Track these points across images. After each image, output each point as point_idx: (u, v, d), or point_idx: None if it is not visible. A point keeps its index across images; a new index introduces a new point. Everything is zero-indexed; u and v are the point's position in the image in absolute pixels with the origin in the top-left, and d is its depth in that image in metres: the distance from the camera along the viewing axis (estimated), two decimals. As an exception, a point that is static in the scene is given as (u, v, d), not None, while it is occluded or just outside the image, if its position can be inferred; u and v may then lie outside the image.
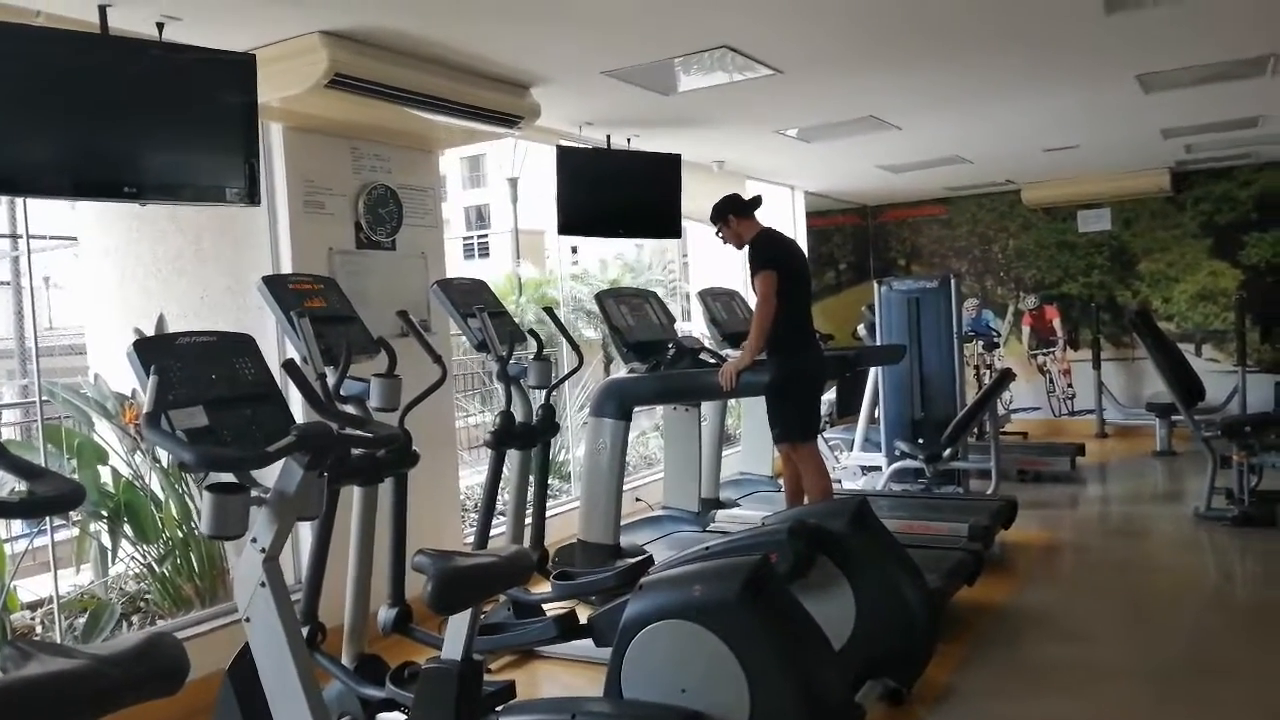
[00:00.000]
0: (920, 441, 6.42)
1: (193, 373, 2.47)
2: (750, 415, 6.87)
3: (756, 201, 5.00)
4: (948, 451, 6.16)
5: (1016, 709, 3.39)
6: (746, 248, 4.87)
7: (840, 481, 7.12)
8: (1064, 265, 9.88)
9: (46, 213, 5.39)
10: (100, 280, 4.53)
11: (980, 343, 9.72)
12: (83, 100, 3.12)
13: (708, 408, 5.88)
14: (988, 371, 9.65)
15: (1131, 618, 4.42)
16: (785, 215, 8.83)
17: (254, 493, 2.29)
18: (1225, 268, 9.18)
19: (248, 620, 2.39)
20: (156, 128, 3.31)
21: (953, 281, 6.92)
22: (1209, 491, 5.93)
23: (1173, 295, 9.42)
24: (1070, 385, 9.90)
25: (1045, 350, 10.00)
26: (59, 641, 3.50)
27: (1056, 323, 9.91)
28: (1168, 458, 8.35)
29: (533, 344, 4.13)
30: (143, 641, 1.59)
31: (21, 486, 1.68)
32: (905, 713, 3.32)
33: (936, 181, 9.12)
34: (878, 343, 7.10)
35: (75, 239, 4.79)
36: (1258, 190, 9.00)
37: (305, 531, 3.82)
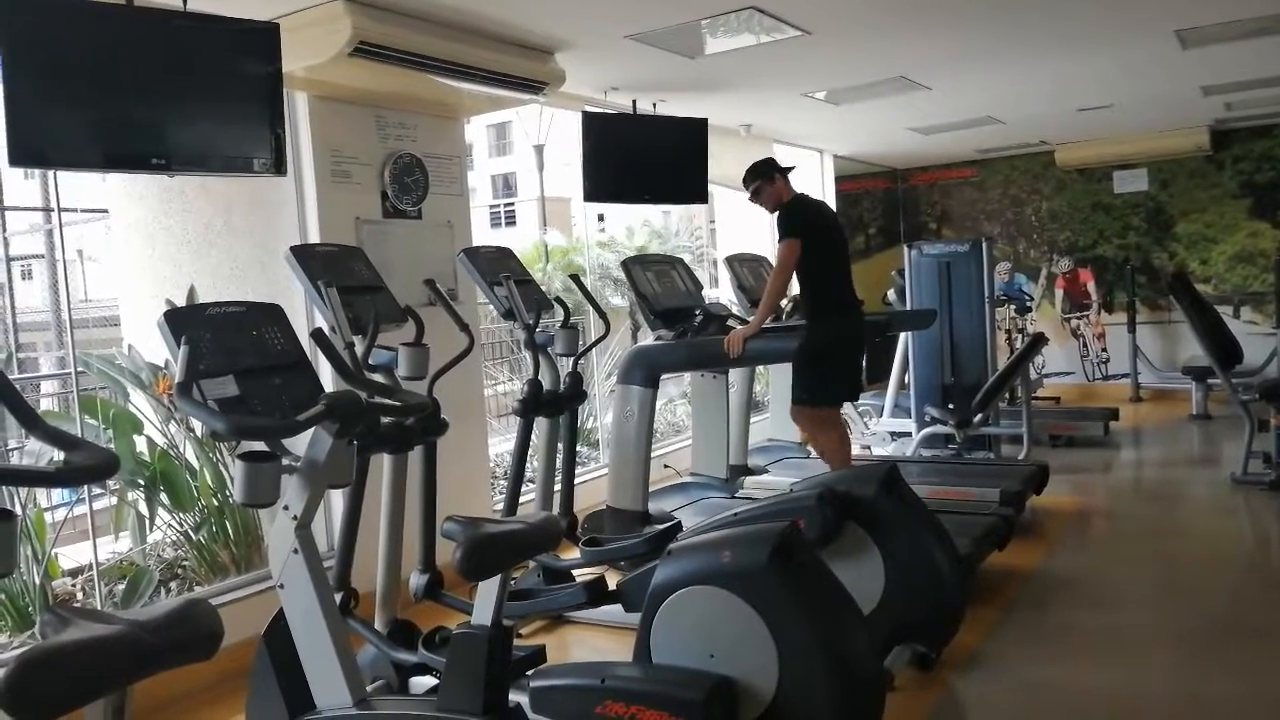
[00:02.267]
0: (951, 407, 6.37)
1: (223, 343, 2.49)
2: (778, 382, 6.84)
3: (790, 168, 4.92)
4: (979, 417, 6.10)
5: (1046, 674, 3.38)
6: (777, 213, 4.81)
7: (870, 448, 7.09)
8: (1099, 227, 9.71)
9: (78, 186, 5.45)
10: (132, 252, 4.58)
11: (1012, 307, 9.61)
12: (110, 73, 3.14)
13: (735, 374, 5.86)
14: (1020, 336, 9.56)
15: (1164, 583, 4.39)
16: (814, 179, 8.74)
17: (285, 461, 2.31)
18: (1265, 228, 8.99)
19: (282, 586, 2.43)
20: (183, 99, 3.32)
21: (984, 245, 6.83)
22: (1246, 456, 5.84)
23: (1211, 257, 9.24)
24: (1104, 349, 9.78)
25: (1079, 314, 9.87)
26: (99, 608, 3.58)
27: (1090, 286, 9.77)
28: (1203, 422, 8.23)
29: (559, 311, 4.13)
30: (178, 608, 1.62)
31: (59, 456, 1.71)
32: (934, 678, 3.32)
33: (968, 143, 8.98)
34: (908, 308, 7.04)
35: (106, 211, 4.83)
36: (1300, 148, 8.79)
37: (336, 499, 3.86)
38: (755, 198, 4.82)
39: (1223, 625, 3.79)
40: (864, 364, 5.01)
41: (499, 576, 2.33)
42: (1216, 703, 3.12)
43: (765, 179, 4.76)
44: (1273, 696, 3.13)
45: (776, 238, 4.73)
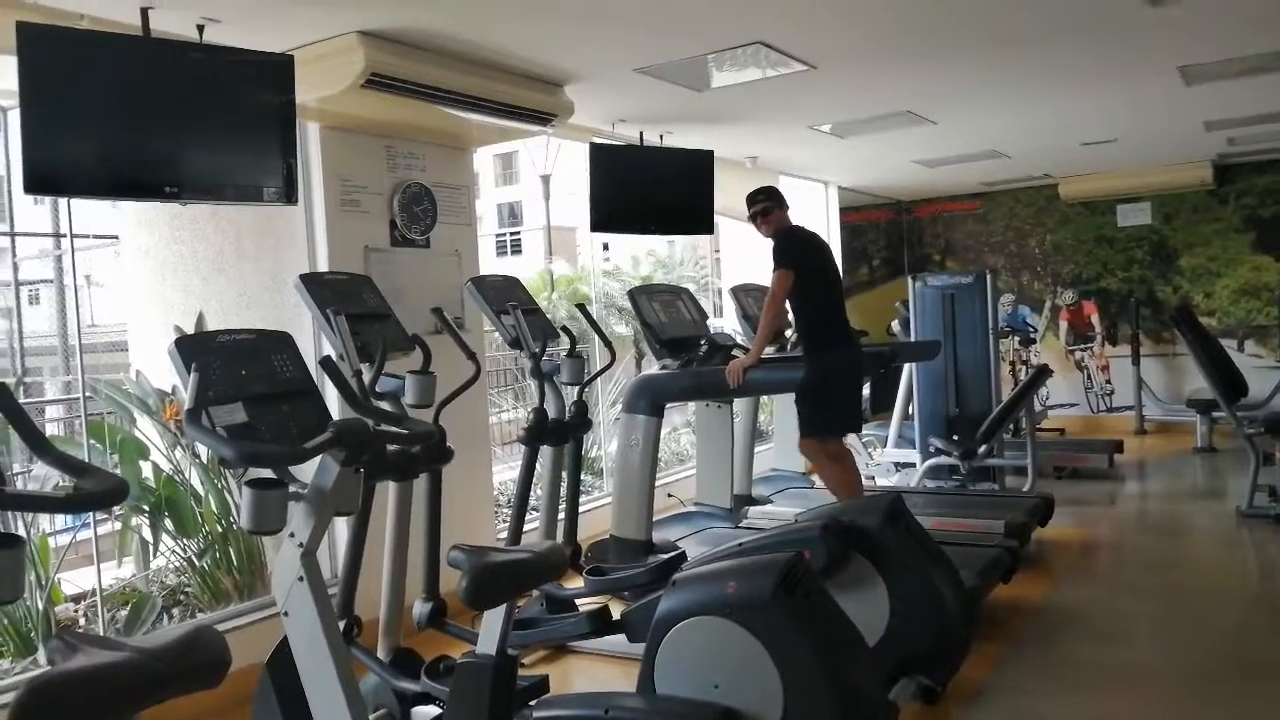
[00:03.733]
0: (955, 438, 6.37)
1: (232, 370, 2.51)
2: (782, 412, 6.84)
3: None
4: (983, 448, 6.10)
5: (1051, 708, 3.35)
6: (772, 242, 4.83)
7: (874, 478, 7.08)
8: (1103, 260, 9.74)
9: (89, 212, 5.49)
10: (141, 278, 4.61)
11: (1016, 338, 9.62)
12: (125, 102, 3.18)
13: (740, 404, 5.87)
14: (1024, 368, 9.55)
15: (1170, 617, 4.36)
16: (819, 211, 8.79)
17: (292, 488, 2.32)
18: (1269, 262, 9.01)
19: (286, 614, 2.43)
20: (197, 128, 3.36)
21: (988, 277, 6.85)
22: (1251, 489, 5.83)
23: (1215, 290, 9.26)
24: (1109, 381, 9.77)
25: (1083, 346, 9.87)
26: (102, 633, 3.57)
27: (1095, 318, 9.78)
28: (1208, 455, 8.21)
29: (565, 340, 4.15)
30: (186, 634, 1.63)
31: (68, 482, 1.71)
32: (939, 711, 3.30)
33: (972, 176, 9.03)
34: (912, 339, 7.05)
35: (117, 238, 4.87)
36: (1302, 183, 8.82)
37: (341, 527, 3.86)
38: (758, 219, 4.84)
39: (1229, 661, 3.77)
40: (863, 395, 5.00)
41: (504, 605, 2.33)
42: (1224, 739, 3.10)
43: (776, 203, 4.81)
44: (1281, 734, 3.11)
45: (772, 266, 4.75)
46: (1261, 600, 4.77)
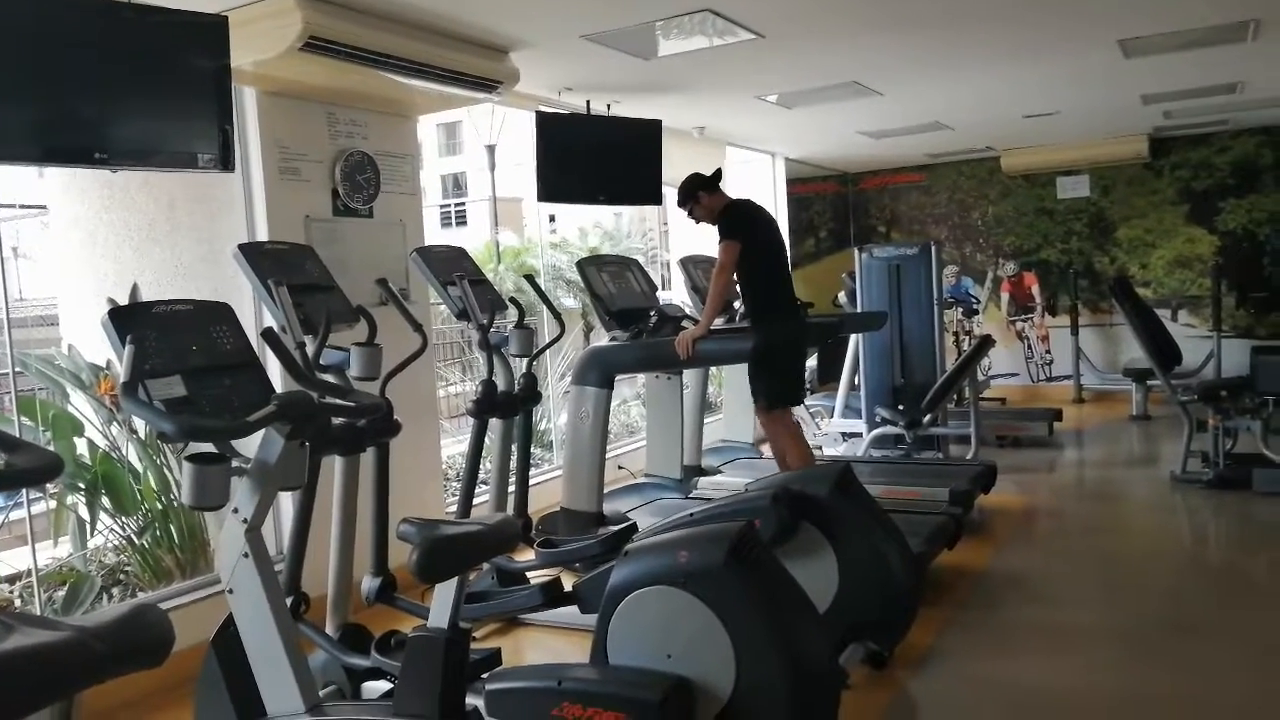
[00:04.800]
0: (900, 408, 6.45)
1: (170, 342, 2.43)
2: (731, 383, 6.87)
3: (718, 175, 4.89)
4: (928, 417, 6.20)
5: (996, 670, 3.43)
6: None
7: (821, 448, 7.15)
8: (1043, 232, 9.91)
9: (14, 180, 5.29)
10: (71, 250, 4.45)
11: (960, 309, 9.76)
12: (51, 63, 3.04)
13: (689, 376, 5.88)
14: (967, 338, 9.72)
15: (1108, 580, 4.48)
16: (765, 182, 8.80)
17: (234, 463, 2.26)
18: (1202, 234, 9.24)
19: (231, 591, 2.38)
20: (127, 92, 3.24)
21: (933, 248, 6.93)
22: (1185, 455, 6.00)
23: (1150, 261, 9.48)
24: (1048, 351, 9.98)
25: (1024, 316, 10.06)
26: (38, 614, 3.47)
27: (1035, 289, 9.96)
28: (1144, 422, 8.45)
29: (513, 312, 4.10)
30: (127, 613, 1.58)
31: (-1, 459, 1.65)
32: (887, 675, 3.36)
33: (917, 148, 9.11)
34: (858, 310, 7.11)
35: (45, 208, 4.69)
36: (1234, 157, 9.05)
37: (286, 502, 3.79)
38: (693, 215, 4.84)
39: (1163, 621, 3.89)
40: (804, 372, 5.02)
41: (456, 579, 2.31)
42: (1157, 698, 3.19)
43: (692, 200, 4.80)
44: (1211, 691, 3.22)
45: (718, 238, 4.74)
46: (1194, 562, 4.93)
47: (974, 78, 6.16)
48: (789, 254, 5.18)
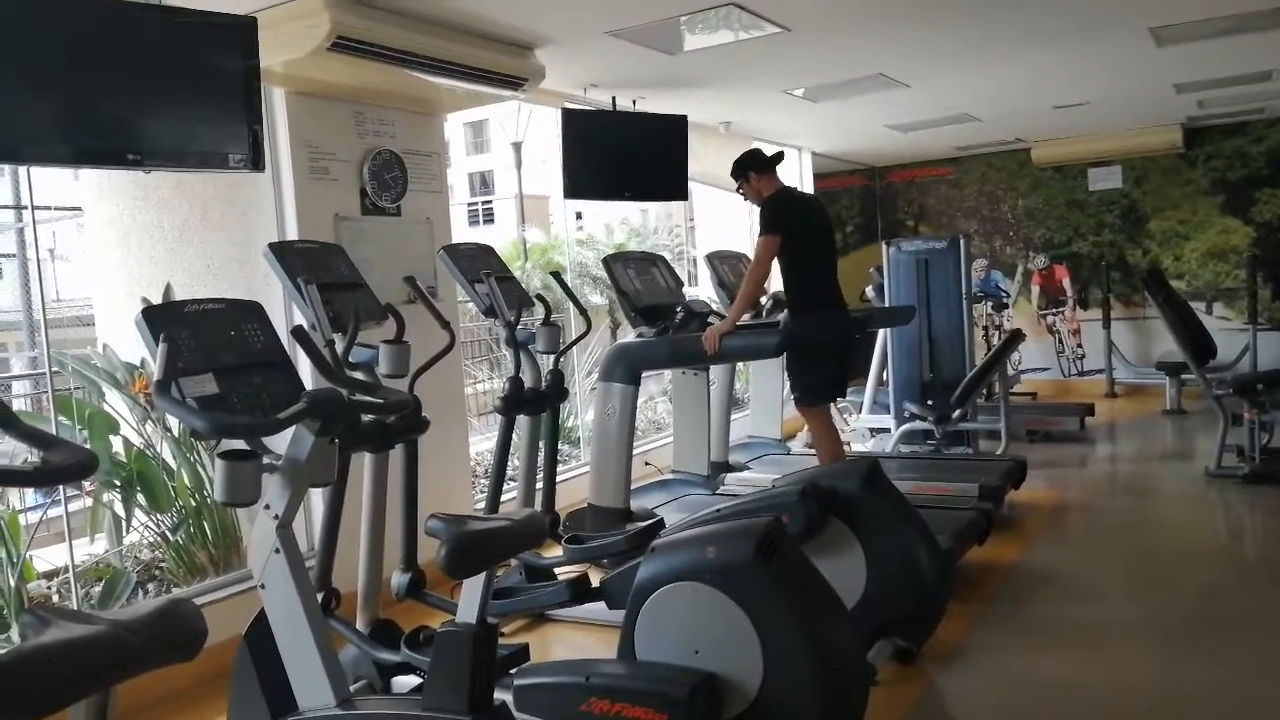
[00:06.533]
0: (929, 403, 6.41)
1: (202, 340, 2.46)
2: (759, 379, 6.86)
3: (779, 157, 4.83)
4: (957, 413, 6.15)
5: (1026, 667, 3.40)
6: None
7: (849, 444, 7.12)
8: (1074, 224, 9.80)
9: (50, 183, 5.37)
10: (106, 251, 4.51)
11: (989, 303, 9.67)
12: (85, 66, 3.09)
13: (716, 371, 5.87)
14: (997, 332, 9.62)
15: (1141, 576, 4.43)
16: (792, 176, 8.75)
17: (266, 460, 2.29)
18: (1237, 225, 9.10)
19: (263, 587, 2.41)
20: (159, 93, 3.28)
21: (962, 242, 6.87)
22: (1220, 449, 5.91)
23: (1183, 253, 9.34)
24: (1080, 345, 9.87)
25: (1055, 310, 9.95)
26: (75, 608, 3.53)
27: (1066, 282, 9.85)
28: (1177, 416, 8.33)
29: (540, 309, 4.12)
30: (161, 607, 1.60)
31: (34, 456, 1.67)
32: (916, 671, 3.34)
33: (945, 141, 9.03)
34: (886, 304, 7.07)
35: (80, 209, 4.76)
36: (1270, 145, 8.90)
37: (316, 498, 3.83)
38: (739, 192, 4.83)
39: (1199, 618, 3.83)
40: (844, 367, 4.94)
41: (484, 574, 2.32)
42: (1193, 694, 3.15)
43: (742, 177, 4.76)
44: (1248, 687, 3.17)
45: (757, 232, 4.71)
46: (1229, 558, 4.85)
47: (1002, 68, 6.09)
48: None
